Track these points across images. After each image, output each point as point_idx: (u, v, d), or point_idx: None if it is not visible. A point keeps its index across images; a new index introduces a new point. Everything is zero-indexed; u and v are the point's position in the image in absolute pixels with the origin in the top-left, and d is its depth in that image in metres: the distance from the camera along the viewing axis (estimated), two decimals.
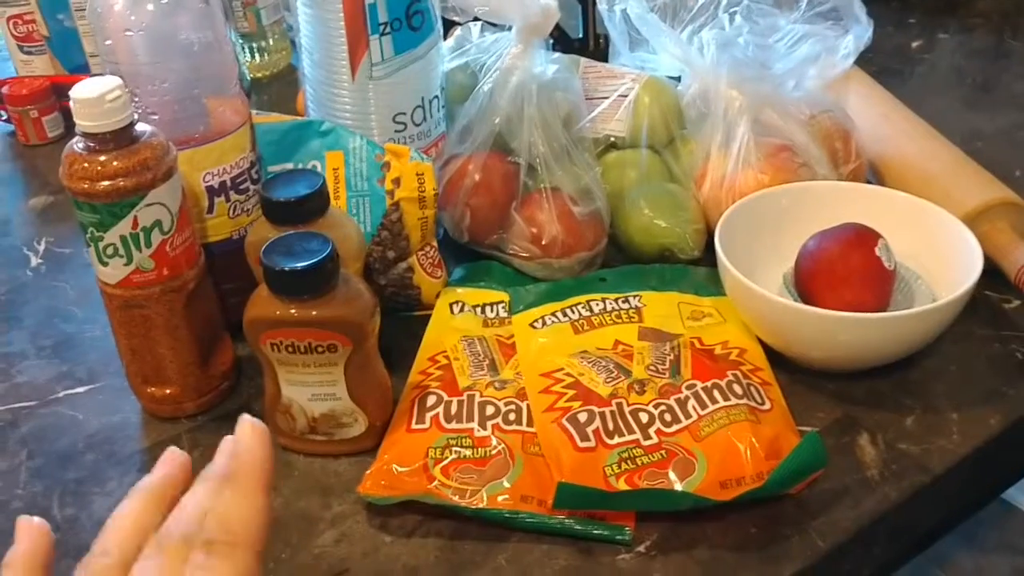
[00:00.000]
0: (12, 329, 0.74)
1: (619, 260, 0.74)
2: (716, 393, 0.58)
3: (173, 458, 0.41)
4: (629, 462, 0.55)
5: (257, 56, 1.15)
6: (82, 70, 1.10)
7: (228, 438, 0.39)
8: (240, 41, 1.13)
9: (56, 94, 1.03)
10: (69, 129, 1.04)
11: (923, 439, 0.58)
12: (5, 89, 1.03)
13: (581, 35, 0.99)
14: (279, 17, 1.16)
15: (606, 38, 0.94)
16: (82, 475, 0.60)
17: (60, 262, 0.82)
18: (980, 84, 1.03)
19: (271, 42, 1.15)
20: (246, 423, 0.39)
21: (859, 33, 0.75)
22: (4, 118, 1.05)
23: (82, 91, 0.54)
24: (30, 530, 0.40)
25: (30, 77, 1.07)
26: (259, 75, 1.15)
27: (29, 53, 1.12)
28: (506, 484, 0.55)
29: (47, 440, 0.63)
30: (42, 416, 0.65)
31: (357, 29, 0.68)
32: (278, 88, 1.14)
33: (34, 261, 0.83)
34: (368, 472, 0.56)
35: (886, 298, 0.63)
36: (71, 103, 0.54)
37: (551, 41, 0.73)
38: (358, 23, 0.68)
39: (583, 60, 0.81)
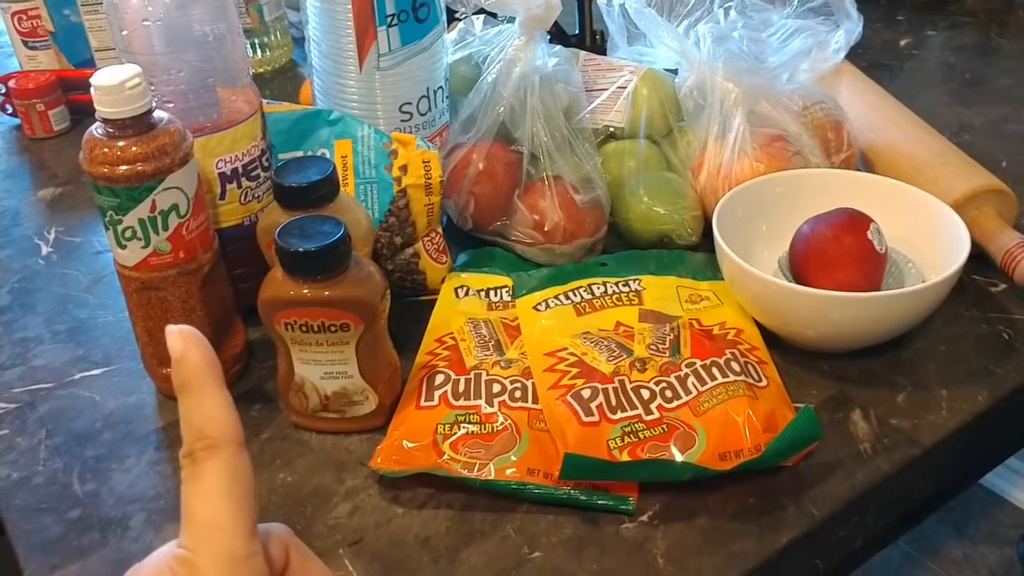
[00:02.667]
0: (27, 315, 0.75)
1: (619, 246, 0.76)
2: (715, 370, 0.60)
3: (182, 334, 0.37)
4: (632, 436, 0.57)
5: (259, 52, 1.17)
6: (87, 64, 1.12)
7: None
8: (243, 36, 1.15)
9: (62, 88, 1.05)
10: (75, 122, 1.06)
11: (914, 415, 0.61)
12: (12, 83, 1.04)
13: (578, 31, 1.01)
14: (281, 13, 1.18)
15: (602, 34, 0.97)
16: (101, 452, 0.62)
17: (70, 250, 0.84)
18: (968, 79, 1.05)
19: (273, 38, 1.17)
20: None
21: (850, 28, 0.77)
22: (10, 112, 1.07)
23: (102, 78, 0.56)
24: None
25: (36, 71, 1.09)
26: (261, 70, 1.17)
27: (34, 48, 1.13)
28: (513, 458, 0.57)
29: (65, 420, 0.65)
30: (60, 397, 0.67)
31: (365, 20, 0.70)
32: (279, 83, 1.15)
33: (45, 250, 0.84)
34: (379, 447, 0.58)
35: (878, 280, 0.66)
36: (92, 90, 0.56)
37: (548, 36, 0.75)
38: (366, 15, 0.70)
39: (583, 53, 0.83)
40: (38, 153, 1.03)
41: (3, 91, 1.06)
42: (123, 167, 0.56)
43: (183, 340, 0.36)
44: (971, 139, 0.91)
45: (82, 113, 1.06)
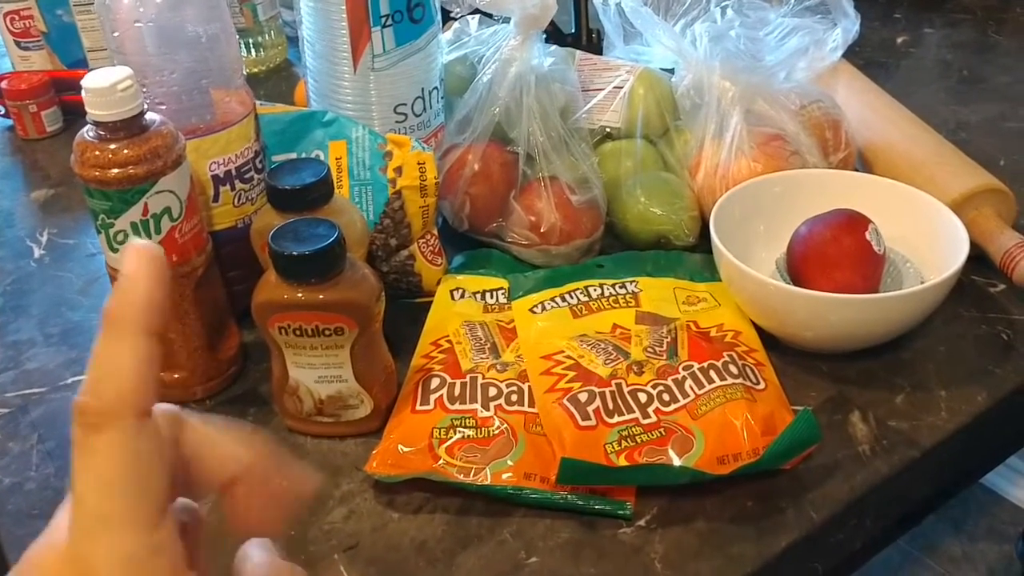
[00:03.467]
0: (19, 318, 0.75)
1: (616, 247, 0.76)
2: (712, 373, 0.60)
3: (142, 255, 0.30)
4: (629, 440, 0.56)
5: (253, 52, 1.16)
6: (80, 65, 1.11)
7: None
8: (237, 36, 1.14)
9: (55, 88, 1.04)
10: (68, 123, 1.05)
11: (913, 416, 0.60)
12: (4, 84, 1.03)
13: (573, 30, 1.01)
14: (275, 13, 1.17)
15: (599, 33, 0.96)
16: None
17: (63, 252, 0.83)
18: (965, 77, 1.05)
19: (267, 37, 1.17)
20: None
21: (847, 27, 0.77)
22: (3, 112, 1.06)
23: (93, 80, 0.55)
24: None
25: (29, 72, 1.08)
26: (255, 70, 1.16)
27: (26, 48, 1.13)
28: (509, 462, 0.56)
29: (58, 424, 0.64)
30: (52, 401, 0.66)
31: (359, 21, 0.69)
32: (274, 83, 1.15)
33: (38, 252, 0.84)
34: (375, 452, 0.58)
35: (876, 281, 0.65)
36: (83, 92, 0.55)
37: (544, 36, 0.75)
38: (360, 15, 0.69)
39: (579, 53, 0.83)
40: (31, 154, 1.02)
41: None
42: (115, 170, 0.56)
43: (139, 259, 0.29)
44: (968, 137, 0.90)
45: (75, 114, 1.05)
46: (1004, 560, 1.61)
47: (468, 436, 0.58)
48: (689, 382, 0.60)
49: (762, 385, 0.60)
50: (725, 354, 0.62)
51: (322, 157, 0.70)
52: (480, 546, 0.54)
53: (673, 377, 0.60)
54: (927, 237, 0.67)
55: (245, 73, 1.13)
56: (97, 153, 0.56)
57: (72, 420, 0.29)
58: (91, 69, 0.57)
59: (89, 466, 0.28)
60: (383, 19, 0.70)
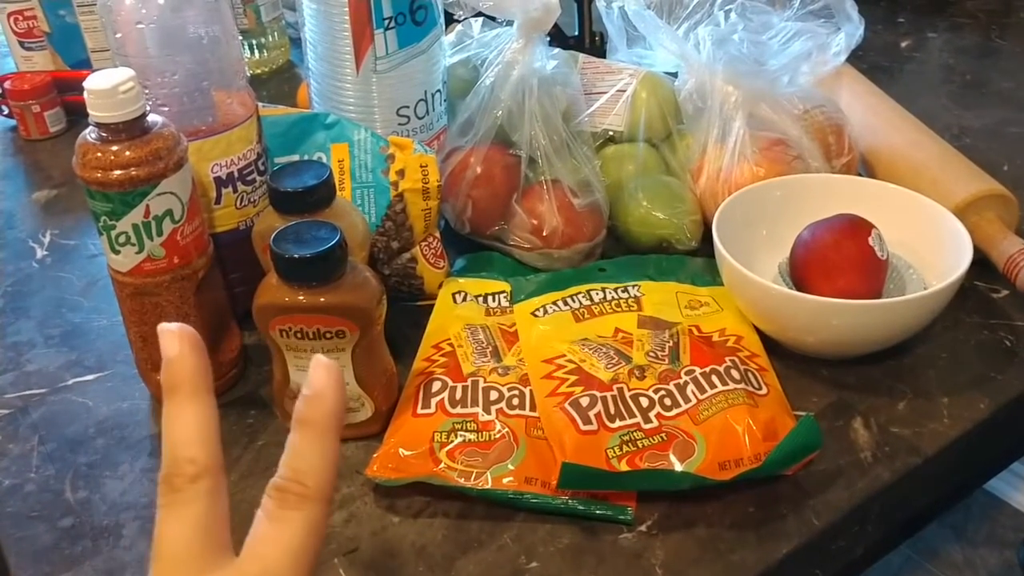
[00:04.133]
0: (20, 319, 0.75)
1: (618, 251, 0.76)
2: (714, 378, 0.60)
3: (182, 335, 0.36)
4: (630, 444, 0.56)
5: (256, 53, 1.16)
6: (83, 65, 1.11)
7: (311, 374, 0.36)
8: (239, 38, 1.14)
9: (58, 89, 1.04)
10: (71, 124, 1.06)
11: (915, 422, 0.60)
12: (7, 84, 1.03)
13: (577, 33, 1.01)
14: (278, 14, 1.17)
15: (602, 36, 0.96)
16: (93, 459, 0.61)
17: (65, 253, 0.83)
18: (968, 82, 1.05)
19: (270, 39, 1.17)
20: (321, 363, 0.36)
21: (851, 31, 0.77)
22: (6, 113, 1.06)
23: (95, 82, 0.55)
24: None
25: (32, 72, 1.08)
26: (258, 71, 1.16)
27: (30, 49, 1.13)
28: (510, 466, 0.56)
29: (58, 426, 0.64)
30: (52, 403, 0.66)
31: (361, 23, 0.69)
32: (276, 84, 1.15)
33: (40, 253, 0.84)
34: (375, 455, 0.58)
35: (879, 286, 0.65)
36: (85, 94, 0.55)
37: (547, 39, 0.75)
38: (362, 17, 0.69)
39: (581, 56, 0.83)
40: (33, 154, 1.02)
41: None
42: (116, 172, 0.56)
43: (179, 341, 0.35)
44: (972, 142, 0.90)
45: (78, 114, 1.05)
46: (1005, 566, 1.61)
47: (469, 440, 0.57)
48: (691, 387, 0.60)
49: (764, 390, 0.60)
50: (727, 359, 0.61)
51: (324, 159, 0.70)
52: (480, 551, 0.53)
53: (675, 382, 0.60)
54: (930, 242, 0.67)
55: (248, 74, 1.13)
56: (99, 155, 0.56)
57: (161, 490, 0.34)
58: (94, 70, 0.58)
59: (182, 517, 0.34)
60: (386, 21, 0.69)
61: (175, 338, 0.35)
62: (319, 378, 0.35)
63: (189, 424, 0.35)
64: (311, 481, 0.34)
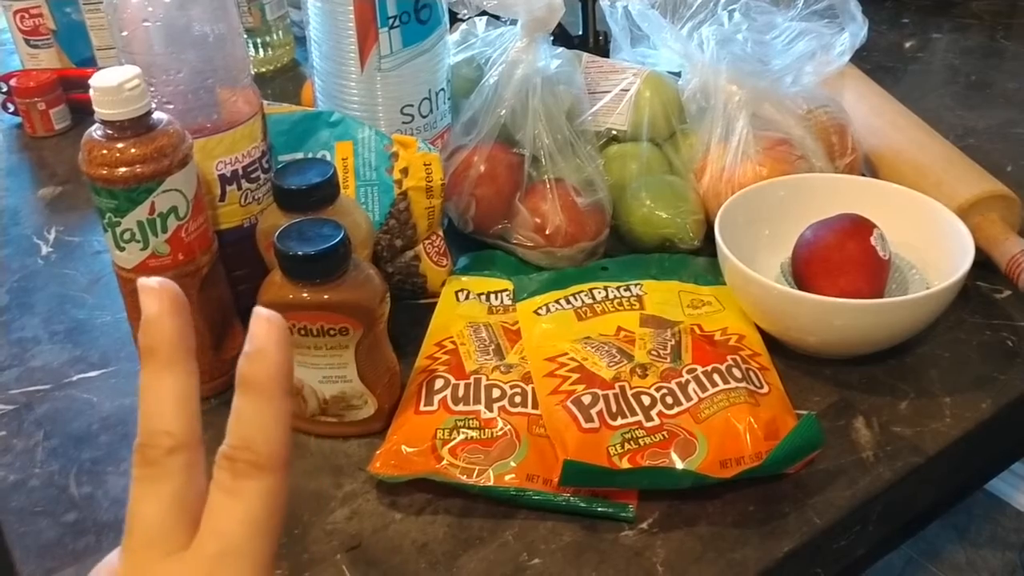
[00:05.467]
0: (25, 315, 0.75)
1: (621, 250, 0.76)
2: (716, 377, 0.60)
3: (162, 293, 0.32)
4: (632, 443, 0.56)
5: (261, 51, 1.16)
6: (89, 63, 1.11)
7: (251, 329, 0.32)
8: (244, 36, 1.14)
9: (63, 86, 1.04)
10: (76, 121, 1.06)
11: (916, 422, 0.60)
12: (13, 81, 1.04)
13: (581, 32, 1.01)
14: (283, 12, 1.17)
15: (606, 35, 0.96)
16: (97, 455, 0.61)
17: (70, 250, 0.84)
18: (973, 82, 1.05)
19: (275, 37, 1.17)
20: (261, 317, 0.32)
21: (855, 31, 0.77)
22: (11, 110, 1.06)
23: (101, 79, 0.55)
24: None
25: (37, 70, 1.09)
26: (263, 70, 1.16)
27: (35, 47, 1.13)
28: (512, 464, 0.56)
29: (62, 422, 0.64)
30: (56, 399, 0.66)
31: (366, 22, 0.70)
32: (281, 83, 1.15)
33: (44, 250, 0.84)
34: (378, 452, 0.58)
35: (881, 286, 0.65)
36: (91, 91, 0.55)
37: (551, 38, 0.75)
38: (367, 16, 0.69)
39: (585, 55, 0.83)
40: (38, 152, 1.03)
41: (4, 89, 1.06)
42: (122, 169, 0.56)
43: (159, 299, 0.32)
44: (976, 143, 0.90)
45: (83, 112, 1.06)
46: (1008, 567, 1.61)
47: (471, 437, 0.58)
48: (693, 385, 0.60)
49: (766, 389, 0.60)
50: (729, 358, 0.62)
51: (328, 157, 0.70)
52: (482, 548, 0.54)
53: (677, 380, 0.60)
54: (932, 242, 0.67)
55: (253, 72, 1.13)
56: (104, 152, 0.56)
57: (135, 460, 0.32)
58: (100, 67, 0.58)
59: (158, 491, 0.32)
60: (390, 20, 0.70)
61: (155, 295, 0.32)
62: (260, 332, 0.32)
63: (166, 394, 0.32)
64: (262, 448, 0.31)
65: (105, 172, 0.56)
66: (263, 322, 0.32)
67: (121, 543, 0.33)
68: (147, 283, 0.32)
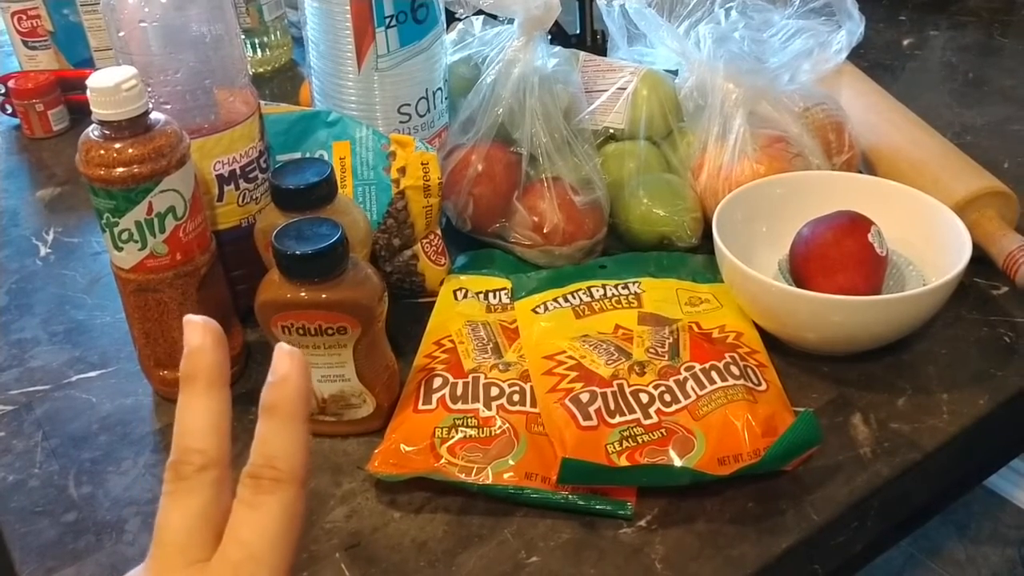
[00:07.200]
0: (24, 316, 0.75)
1: (619, 248, 0.76)
2: (714, 374, 0.60)
3: (206, 328, 0.36)
4: (630, 440, 0.57)
5: (258, 51, 1.16)
6: (87, 64, 1.12)
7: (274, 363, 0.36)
8: (242, 36, 1.14)
9: (61, 88, 1.04)
10: (74, 122, 1.06)
11: (914, 419, 0.60)
12: (11, 83, 1.04)
13: (578, 31, 1.01)
14: (281, 13, 1.17)
15: (603, 34, 0.96)
16: (97, 455, 0.61)
17: (68, 251, 0.84)
18: (970, 80, 1.05)
19: (272, 37, 1.17)
20: (283, 351, 0.36)
21: (852, 29, 0.77)
22: (9, 111, 1.06)
23: (98, 80, 0.55)
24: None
25: (35, 71, 1.09)
26: (260, 70, 1.16)
27: (33, 48, 1.13)
28: (511, 462, 0.56)
29: (61, 422, 0.64)
30: (56, 399, 0.66)
31: (363, 21, 0.70)
32: (279, 83, 1.15)
33: (43, 251, 0.84)
34: (377, 451, 0.58)
35: (878, 283, 0.65)
36: (88, 92, 0.56)
37: (548, 36, 0.75)
38: (364, 16, 0.69)
39: (582, 54, 0.83)
40: (37, 153, 1.03)
41: (2, 91, 1.06)
42: (119, 169, 0.56)
43: (203, 333, 0.36)
44: (973, 140, 0.90)
45: (81, 113, 1.06)
46: (1007, 564, 1.61)
47: (470, 436, 0.58)
48: (691, 383, 0.60)
49: (763, 386, 0.60)
50: (727, 355, 0.62)
51: (326, 157, 0.70)
52: (481, 546, 0.54)
53: (675, 378, 0.60)
54: (930, 239, 0.67)
55: (251, 73, 1.14)
56: (102, 152, 0.56)
57: (167, 476, 0.35)
58: (97, 69, 0.58)
59: (187, 504, 0.34)
60: (387, 20, 0.70)
61: (199, 329, 0.36)
62: (283, 364, 0.35)
63: (202, 415, 0.35)
64: (283, 464, 0.34)
65: (103, 172, 0.56)
66: (285, 355, 0.35)
67: (148, 553, 0.35)
68: (192, 319, 0.36)
